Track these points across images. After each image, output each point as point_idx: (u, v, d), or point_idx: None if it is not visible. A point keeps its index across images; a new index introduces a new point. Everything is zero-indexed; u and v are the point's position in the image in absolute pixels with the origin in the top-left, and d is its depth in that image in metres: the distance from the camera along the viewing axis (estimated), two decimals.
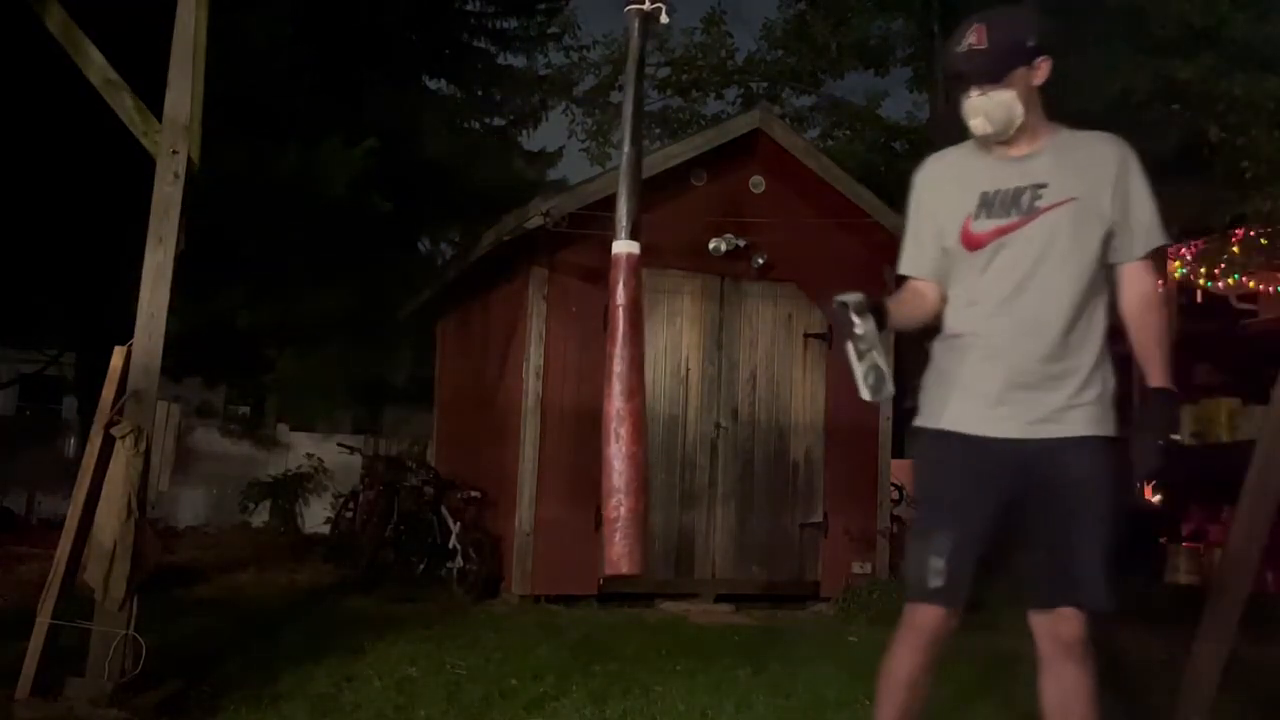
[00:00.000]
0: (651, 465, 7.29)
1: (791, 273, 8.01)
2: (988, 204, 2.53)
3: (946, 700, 3.73)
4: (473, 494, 7.90)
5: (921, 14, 11.93)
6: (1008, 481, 2.50)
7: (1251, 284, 13.14)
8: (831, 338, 8.07)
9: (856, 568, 7.87)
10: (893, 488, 8.45)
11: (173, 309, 4.02)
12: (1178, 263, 13.16)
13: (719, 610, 7.35)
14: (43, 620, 3.71)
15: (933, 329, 2.71)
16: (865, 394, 2.47)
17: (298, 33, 7.20)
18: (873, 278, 8.31)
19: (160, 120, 4.10)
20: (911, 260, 2.71)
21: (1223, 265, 12.39)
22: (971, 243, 2.54)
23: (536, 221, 7.17)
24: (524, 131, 15.24)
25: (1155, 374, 2.52)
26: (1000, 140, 2.53)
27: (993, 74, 2.44)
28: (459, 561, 7.56)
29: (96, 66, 4.15)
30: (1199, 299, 13.81)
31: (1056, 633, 2.49)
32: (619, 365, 2.39)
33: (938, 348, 2.68)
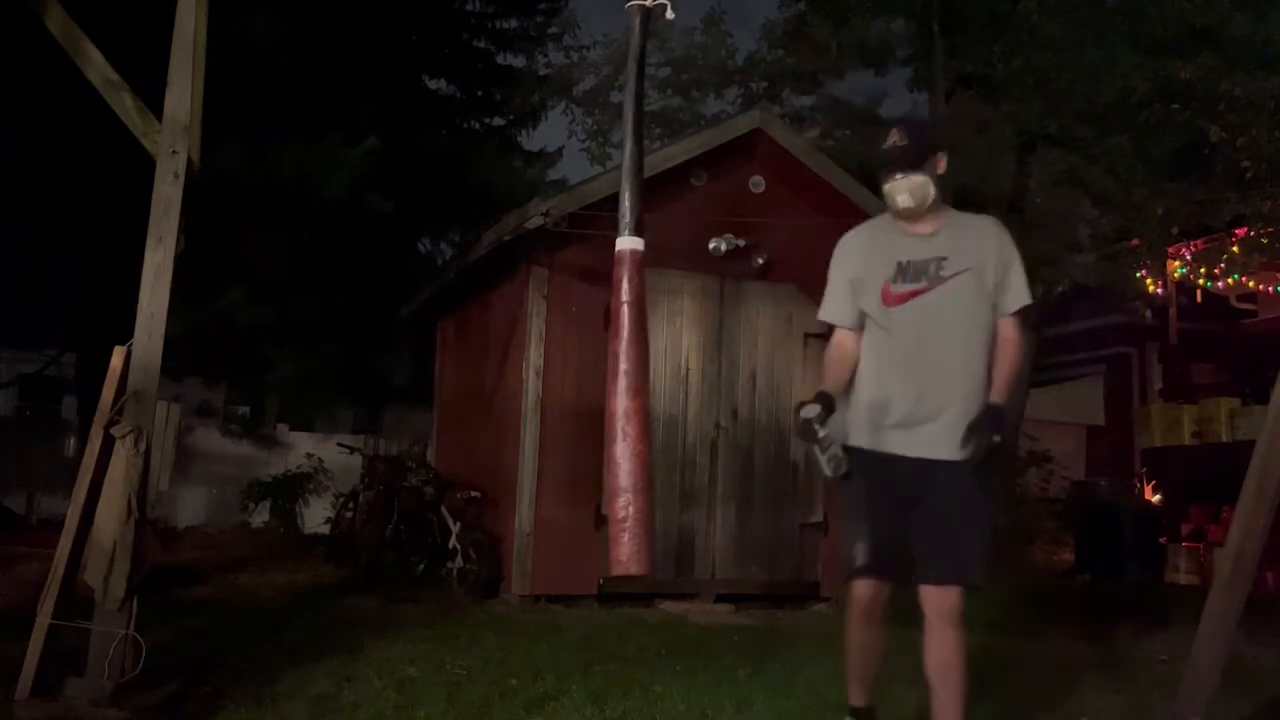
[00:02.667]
0: (652, 465, 7.28)
1: (791, 273, 8.01)
2: (903, 271, 3.25)
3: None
4: (473, 494, 7.90)
5: (921, 14, 11.90)
6: (909, 487, 3.18)
7: (1251, 284, 13.16)
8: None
9: None
10: None
11: (173, 309, 4.02)
12: (1178, 263, 13.18)
13: (719, 610, 7.35)
14: (43, 620, 3.71)
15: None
16: (826, 473, 3.13)
17: (297, 33, 7.19)
18: None
19: (160, 120, 4.10)
20: (838, 311, 3.45)
21: (1223, 265, 12.41)
22: (890, 300, 3.26)
23: (536, 221, 7.17)
24: (524, 131, 15.23)
25: (996, 393, 3.23)
26: (916, 215, 3.25)
27: (913, 162, 3.19)
28: (459, 561, 7.55)
29: (96, 66, 4.15)
30: (1199, 299, 13.84)
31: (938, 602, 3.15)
32: (624, 363, 2.38)
33: (860, 379, 3.33)
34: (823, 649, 5.62)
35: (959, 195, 11.62)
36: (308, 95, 8.06)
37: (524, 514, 7.21)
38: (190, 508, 11.75)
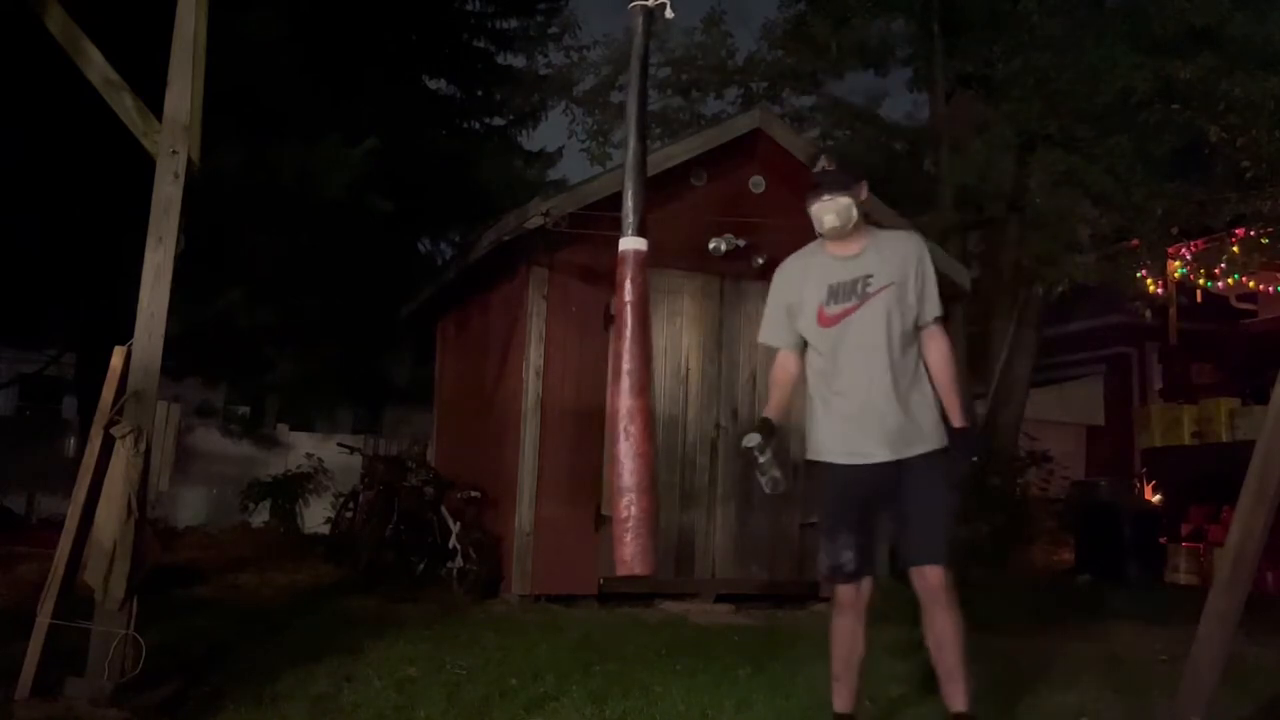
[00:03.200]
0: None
1: None
2: (834, 293, 3.55)
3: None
4: (473, 494, 7.90)
5: (921, 14, 11.91)
6: (871, 490, 3.51)
7: (1251, 284, 13.16)
8: None
9: None
10: None
11: (173, 309, 4.02)
12: (1178, 263, 13.19)
13: (719, 610, 7.35)
14: (43, 620, 3.71)
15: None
16: (766, 490, 3.45)
17: (297, 33, 7.19)
18: None
19: (160, 120, 4.10)
20: (776, 335, 3.72)
21: (1223, 265, 12.41)
22: (825, 322, 3.56)
23: (536, 221, 7.17)
24: (524, 131, 15.23)
25: (955, 416, 3.58)
26: (841, 234, 3.55)
27: (839, 186, 3.51)
28: (459, 561, 7.55)
29: (96, 66, 4.15)
30: (1199, 299, 13.84)
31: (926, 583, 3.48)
32: (628, 362, 2.38)
33: (811, 401, 3.64)
34: (823, 649, 5.61)
35: (959, 195, 11.65)
36: (308, 95, 8.06)
37: (524, 514, 7.21)
38: (190, 508, 11.74)
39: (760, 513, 7.79)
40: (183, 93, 4.09)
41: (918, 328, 3.58)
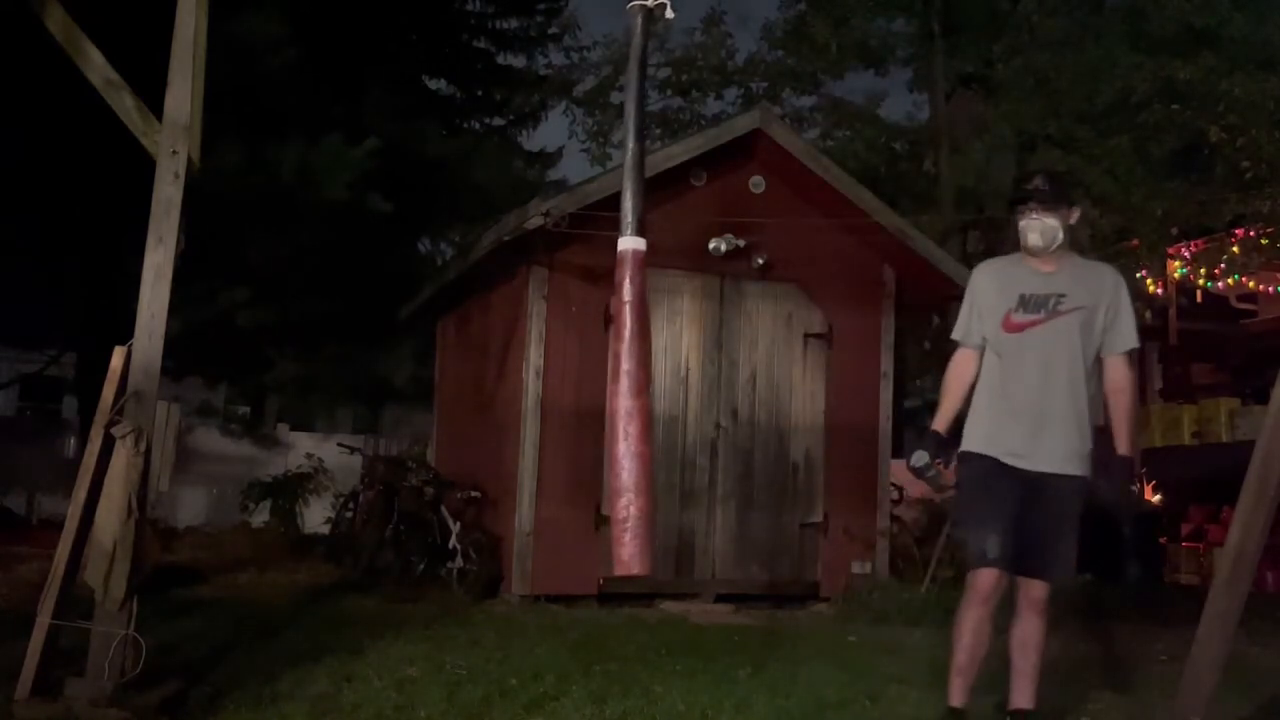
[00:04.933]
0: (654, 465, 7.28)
1: (791, 273, 8.01)
2: (1024, 303, 3.66)
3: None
4: (473, 494, 7.90)
5: (922, 14, 11.92)
6: (1018, 493, 3.60)
7: (1251, 284, 13.14)
8: (831, 338, 8.09)
9: (856, 568, 7.88)
10: (892, 488, 8.45)
11: (173, 309, 4.02)
12: (1178, 262, 13.18)
13: (719, 610, 7.35)
14: (43, 620, 3.70)
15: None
16: (937, 497, 3.75)
17: (298, 33, 7.18)
18: (872, 278, 8.36)
19: (160, 120, 4.10)
20: (966, 332, 3.82)
21: (1223, 265, 12.40)
22: (1010, 328, 3.68)
23: (536, 221, 7.17)
24: (524, 131, 15.22)
25: (1122, 442, 3.67)
26: (1041, 254, 3.65)
27: (1050, 206, 3.61)
28: (459, 561, 7.55)
29: (96, 67, 4.14)
30: (1199, 299, 13.83)
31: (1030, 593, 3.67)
32: (627, 362, 2.38)
33: (979, 396, 3.76)
34: (823, 649, 5.63)
35: (959, 195, 11.66)
36: (308, 95, 8.05)
37: (524, 514, 7.21)
38: (190, 508, 11.76)
39: (760, 513, 7.80)
40: (183, 93, 4.08)
41: (1099, 357, 3.69)
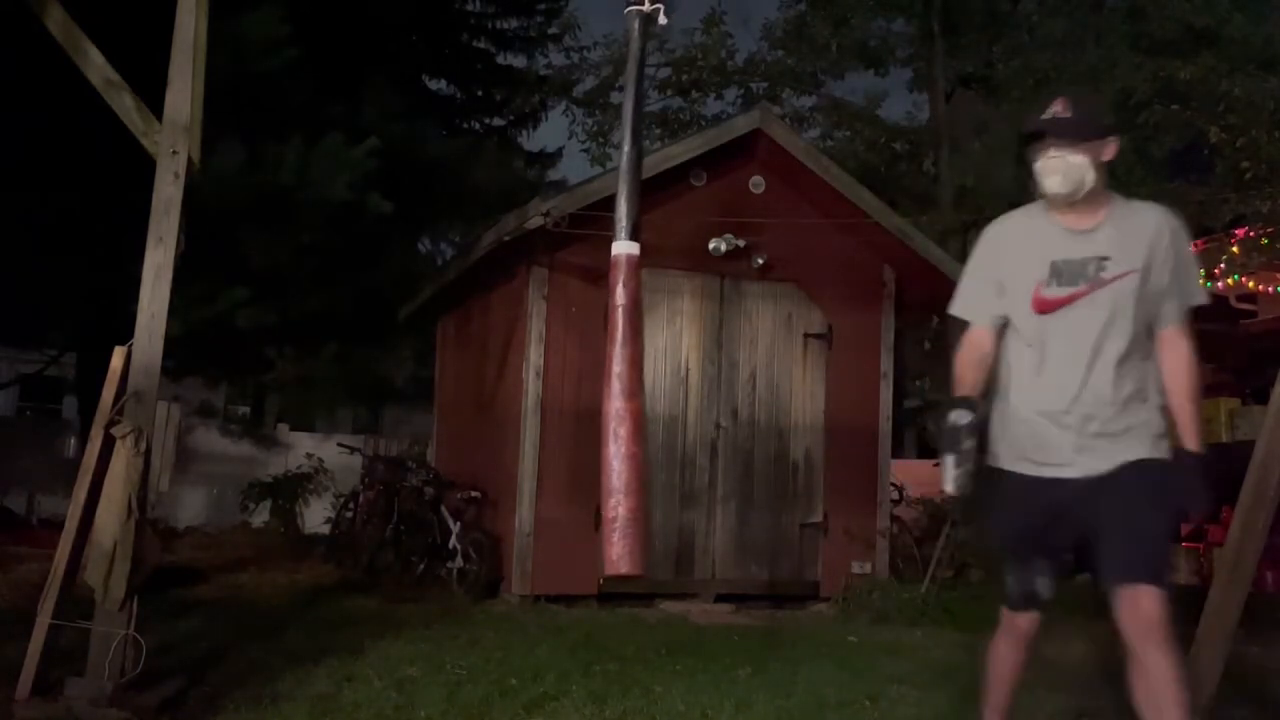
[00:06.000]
0: (652, 465, 7.29)
1: (791, 273, 8.01)
2: (1058, 273, 2.84)
3: None
4: (473, 494, 7.90)
5: (922, 14, 11.93)
6: (1062, 506, 2.86)
7: (1251, 284, 13.13)
8: (831, 338, 8.08)
9: (856, 568, 7.88)
10: (892, 488, 8.45)
11: (173, 309, 4.02)
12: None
13: (719, 610, 7.35)
14: (43, 620, 3.71)
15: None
16: (950, 489, 2.85)
17: (297, 32, 7.18)
18: (872, 278, 8.36)
19: (160, 120, 4.10)
20: (974, 309, 3.02)
21: (1223, 265, 12.39)
22: (1041, 307, 2.86)
23: (536, 221, 7.17)
24: (524, 131, 15.25)
25: (1188, 437, 2.86)
26: (1068, 203, 2.84)
27: (1072, 139, 2.79)
28: (459, 561, 7.56)
29: (96, 67, 4.15)
30: None
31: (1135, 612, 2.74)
32: (618, 365, 2.38)
33: (1000, 396, 2.97)
34: (823, 649, 5.63)
35: (959, 195, 11.67)
36: (308, 95, 8.05)
37: (524, 514, 7.22)
38: (190, 508, 11.75)
39: (760, 512, 7.80)
40: (183, 93, 4.09)
41: (1157, 328, 2.88)
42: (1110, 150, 2.83)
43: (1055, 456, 2.84)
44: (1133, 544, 2.74)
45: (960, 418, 2.84)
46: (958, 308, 3.06)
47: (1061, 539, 2.91)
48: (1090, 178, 2.80)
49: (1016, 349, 2.94)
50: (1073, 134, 2.79)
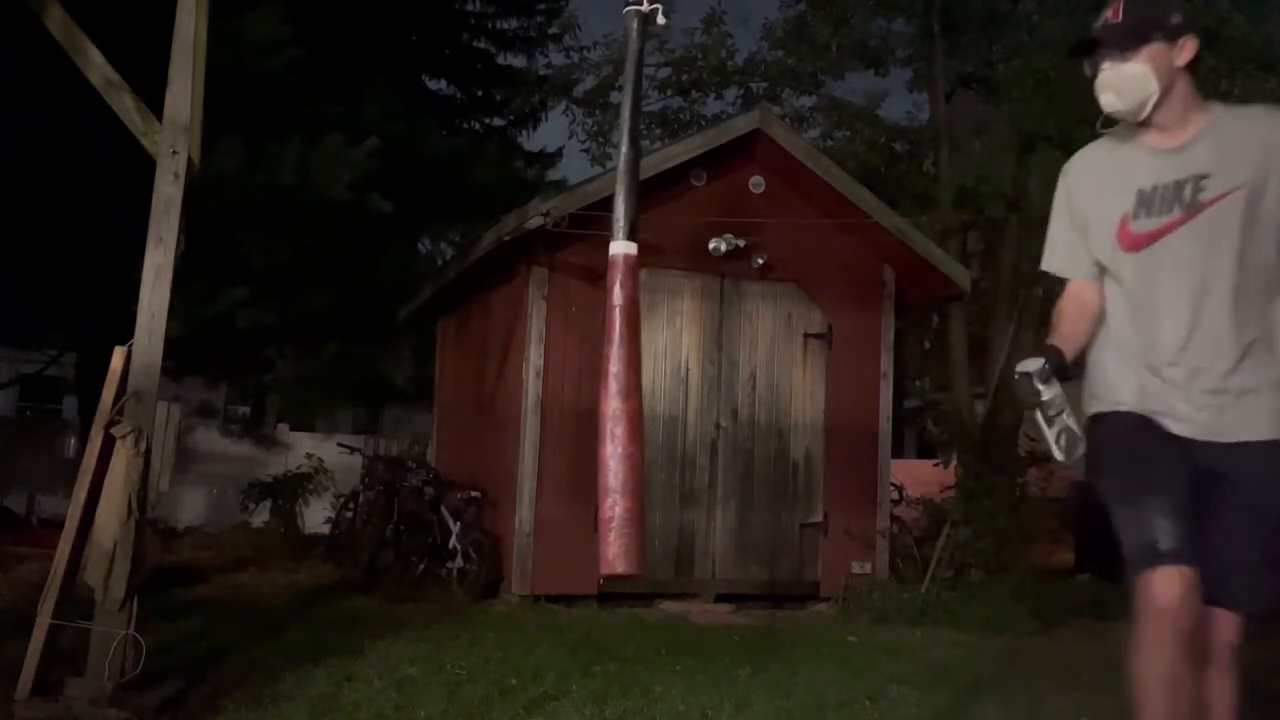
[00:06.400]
0: (651, 465, 7.30)
1: (791, 273, 8.02)
2: (1146, 201, 2.39)
3: None
4: (473, 494, 7.91)
5: (922, 14, 11.92)
6: (1191, 473, 2.35)
7: None
8: (831, 338, 8.08)
9: (856, 568, 7.88)
10: (892, 488, 8.45)
11: (173, 309, 4.02)
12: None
13: (719, 610, 7.35)
14: (43, 620, 3.71)
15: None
16: (1058, 455, 2.41)
17: (298, 32, 7.18)
18: (872, 278, 8.36)
19: (160, 120, 4.10)
20: (1066, 260, 2.58)
21: None
22: (1131, 244, 2.41)
23: (536, 221, 7.18)
24: (524, 131, 15.24)
25: None
26: (1135, 120, 2.41)
27: (1123, 46, 2.36)
28: (459, 561, 7.56)
29: (96, 66, 4.15)
30: None
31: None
32: (615, 365, 2.38)
33: (1097, 352, 2.54)
34: (823, 649, 5.63)
35: (959, 195, 11.69)
36: (308, 95, 8.05)
37: (524, 514, 7.22)
38: (190, 508, 11.76)
39: (760, 513, 7.81)
40: (183, 93, 4.09)
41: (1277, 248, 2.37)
42: (1186, 52, 2.36)
43: (1166, 413, 2.38)
44: (1240, 559, 2.36)
45: (1029, 365, 2.39)
46: (1046, 262, 2.64)
47: (1181, 482, 2.33)
48: (1153, 89, 2.35)
49: (1112, 296, 2.49)
50: (1126, 40, 2.36)
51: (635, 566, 2.30)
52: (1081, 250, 2.53)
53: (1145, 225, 2.39)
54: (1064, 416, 2.38)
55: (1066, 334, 2.51)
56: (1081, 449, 2.38)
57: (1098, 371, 2.53)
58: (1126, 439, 2.42)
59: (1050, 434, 2.39)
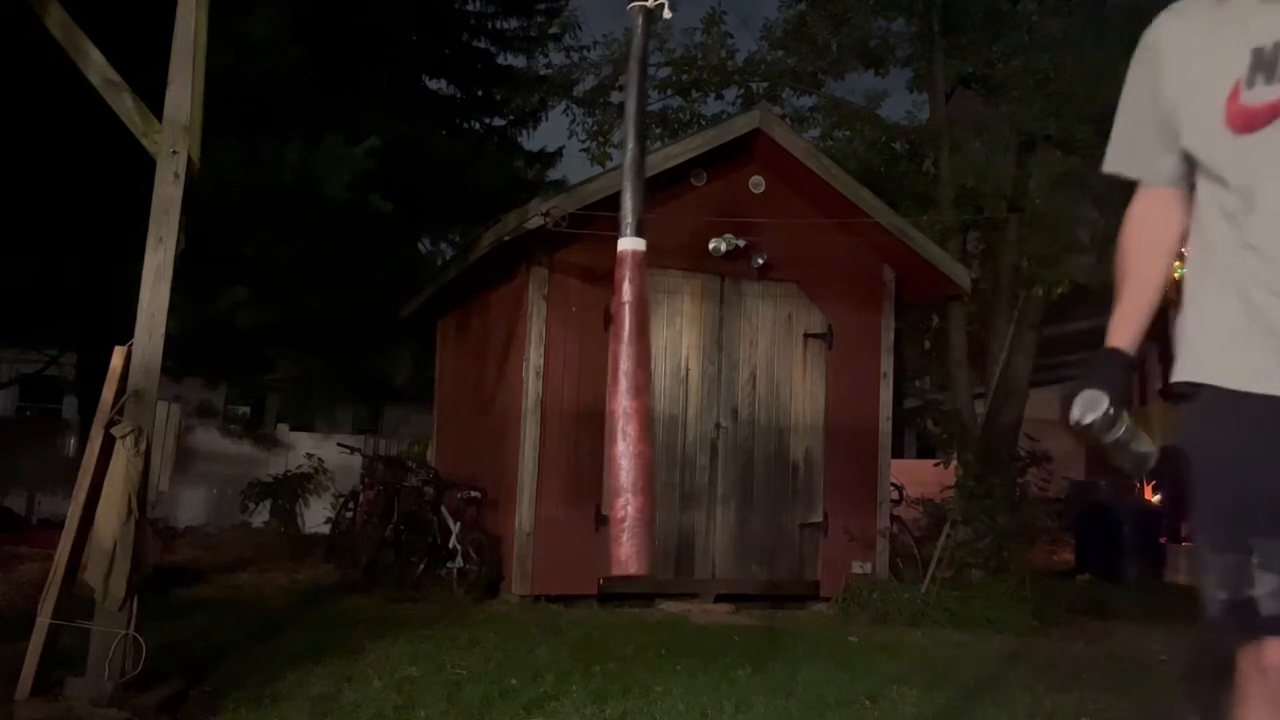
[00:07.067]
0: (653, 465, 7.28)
1: (791, 273, 8.01)
2: (1266, 65, 1.68)
3: None
4: (473, 494, 7.90)
5: (922, 14, 11.91)
6: None
7: None
8: (831, 338, 8.08)
9: (856, 568, 7.88)
10: (892, 488, 8.45)
11: (173, 309, 4.02)
12: (1178, 264, 13.16)
13: (719, 610, 7.35)
14: (43, 620, 3.71)
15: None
16: (1129, 469, 1.95)
17: (298, 32, 7.19)
18: (872, 278, 8.36)
19: (160, 120, 4.10)
20: (1133, 158, 1.93)
21: None
22: (1242, 121, 1.70)
23: (536, 221, 7.17)
24: (524, 132, 15.25)
25: None
26: None
27: None
28: (459, 561, 7.56)
29: (96, 66, 4.15)
30: None
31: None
32: (625, 363, 2.37)
33: (1193, 282, 1.86)
34: (823, 649, 5.63)
35: (959, 195, 11.68)
36: (308, 95, 8.06)
37: (524, 514, 7.21)
38: (190, 508, 11.75)
39: (760, 513, 7.81)
40: (183, 93, 4.09)
41: None
42: None
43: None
44: None
45: (1086, 410, 1.84)
46: (1110, 161, 1.98)
47: None
48: None
49: (1209, 200, 1.80)
50: None
51: (647, 567, 2.29)
52: (1162, 144, 1.85)
53: (1264, 95, 1.68)
54: (1132, 445, 1.90)
55: (1137, 305, 1.91)
56: (1151, 464, 1.93)
57: (1196, 314, 1.83)
58: (1224, 445, 1.80)
59: (1120, 460, 1.93)
